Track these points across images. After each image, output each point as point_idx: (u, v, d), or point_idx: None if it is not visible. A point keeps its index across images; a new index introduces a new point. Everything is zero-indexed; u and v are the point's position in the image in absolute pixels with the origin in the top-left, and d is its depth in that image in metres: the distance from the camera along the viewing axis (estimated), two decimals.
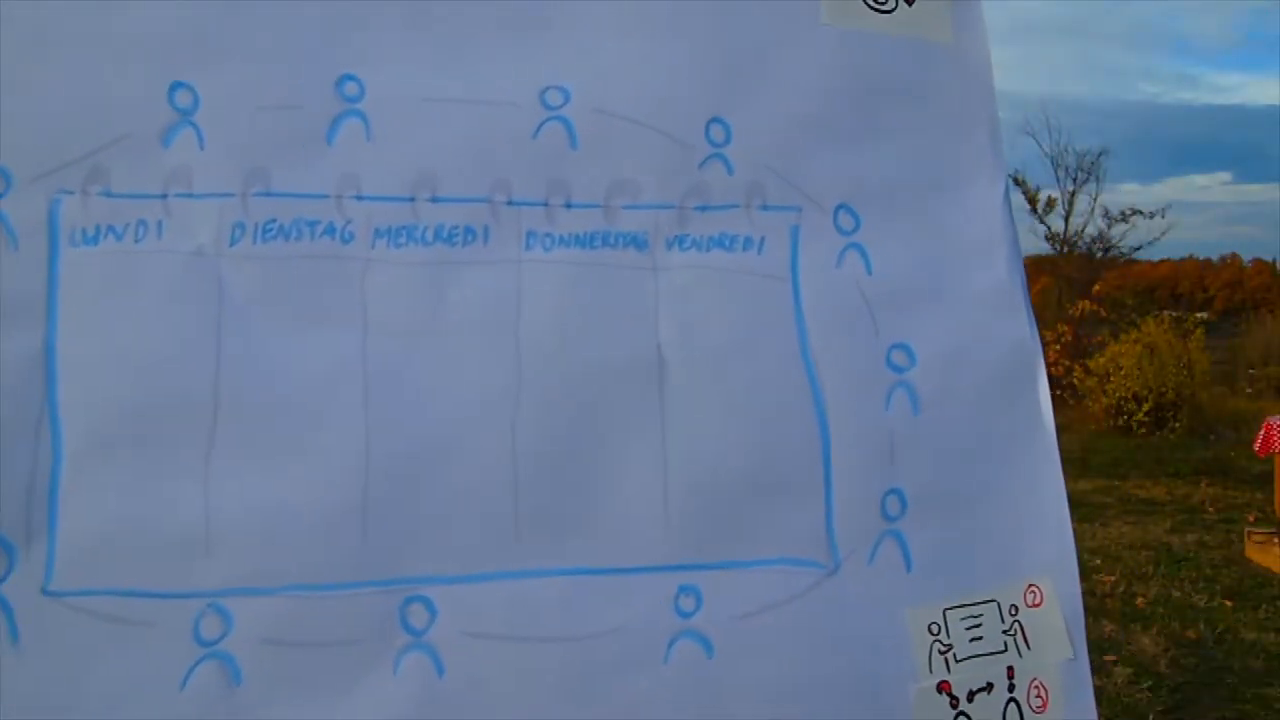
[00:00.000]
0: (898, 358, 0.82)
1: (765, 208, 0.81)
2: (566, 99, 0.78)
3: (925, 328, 0.83)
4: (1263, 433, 5.12)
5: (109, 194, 0.71)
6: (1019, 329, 0.85)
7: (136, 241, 0.71)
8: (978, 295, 0.84)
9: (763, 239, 0.81)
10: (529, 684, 0.71)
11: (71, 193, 0.71)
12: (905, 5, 0.86)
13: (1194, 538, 5.10)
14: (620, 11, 0.80)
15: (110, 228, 0.71)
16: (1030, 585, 0.82)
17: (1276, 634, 3.70)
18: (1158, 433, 8.49)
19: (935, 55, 0.87)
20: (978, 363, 0.83)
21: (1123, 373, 8.77)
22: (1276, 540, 4.61)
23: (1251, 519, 5.25)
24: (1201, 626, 3.76)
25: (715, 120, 0.81)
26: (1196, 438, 8.33)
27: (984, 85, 0.87)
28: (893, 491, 0.80)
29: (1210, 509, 5.77)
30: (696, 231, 0.80)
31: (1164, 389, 8.63)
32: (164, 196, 0.72)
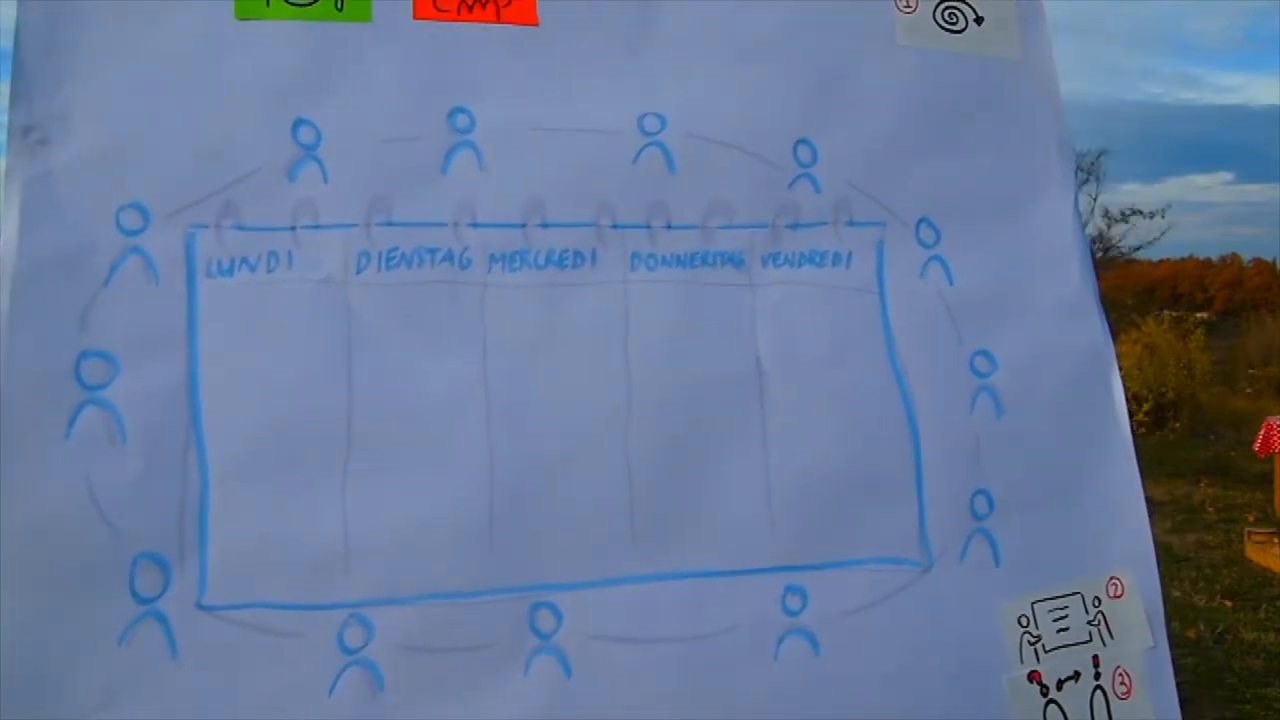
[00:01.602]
0: (980, 364, 0.86)
1: (852, 224, 0.86)
2: (663, 125, 0.83)
3: (1005, 334, 0.87)
4: (1263, 433, 5.15)
5: (241, 227, 0.75)
6: (1093, 333, 0.89)
7: (269, 272, 0.75)
8: (1053, 302, 0.89)
9: (850, 254, 0.85)
10: (650, 682, 0.75)
11: (206, 227, 0.75)
12: (975, 25, 0.91)
13: (1194, 538, 5.12)
14: (709, 41, 0.85)
15: (244, 259, 0.75)
16: (1112, 578, 0.86)
17: (1276, 634, 3.73)
18: (1158, 433, 8.54)
19: (1005, 72, 0.91)
20: (1056, 366, 0.88)
21: (1122, 372, 8.78)
22: (1276, 540, 4.65)
23: (1251, 519, 5.29)
24: (1201, 626, 3.78)
25: (802, 141, 0.85)
26: (1196, 438, 8.37)
27: (1052, 99, 0.92)
28: (980, 491, 0.84)
29: (1210, 509, 5.80)
30: (788, 248, 0.84)
31: (1164, 389, 8.68)
32: (292, 228, 0.76)
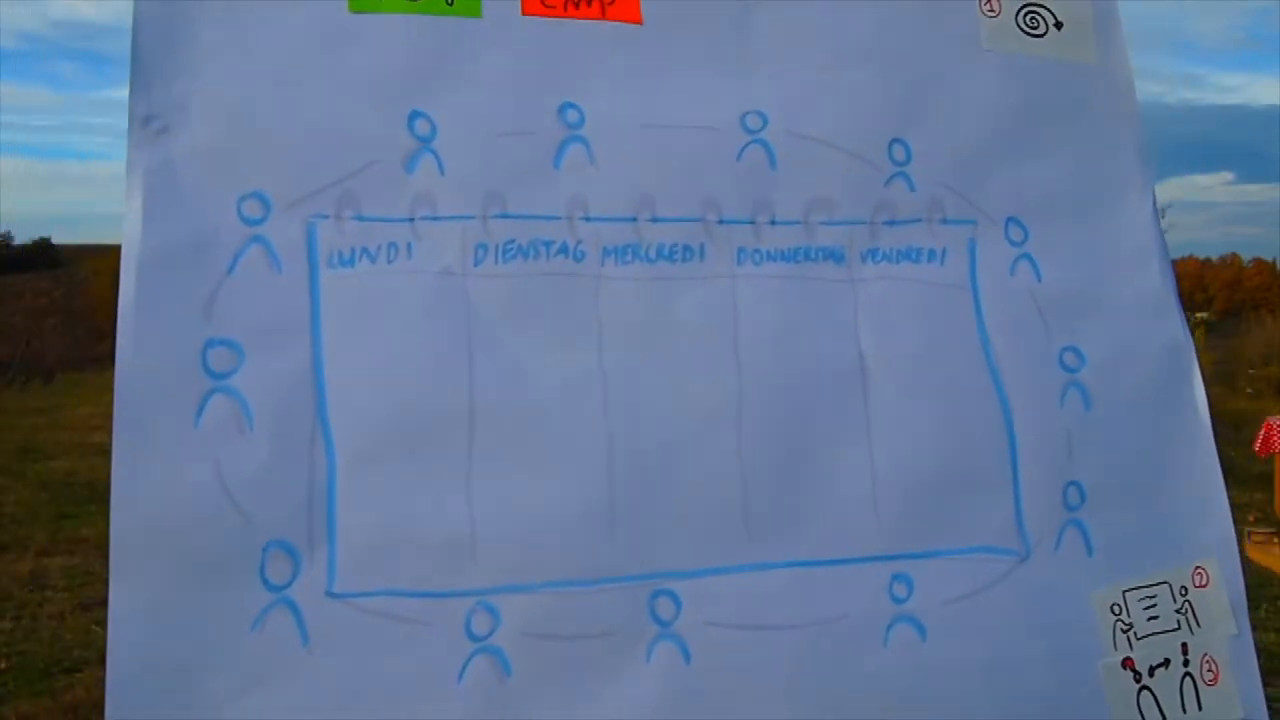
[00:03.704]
0: (1069, 359, 0.88)
1: (945, 221, 0.88)
2: (765, 123, 0.84)
3: (1092, 331, 0.89)
4: (1263, 433, 5.18)
5: (361, 218, 0.76)
6: (1174, 330, 0.91)
7: (389, 262, 0.76)
8: (1136, 300, 0.91)
9: (944, 250, 0.87)
10: (765, 668, 0.76)
11: (326, 217, 0.75)
12: (1055, 30, 0.93)
13: None
14: (804, 42, 0.87)
15: (364, 250, 0.76)
16: (1197, 567, 0.88)
17: (1277, 634, 3.76)
18: None
19: (1083, 76, 0.94)
20: (1140, 362, 0.90)
21: None
22: (1276, 540, 4.73)
23: (1252, 519, 5.34)
24: None
25: (896, 141, 0.87)
26: None
27: (1129, 102, 0.95)
28: (1072, 483, 0.86)
29: None
30: (886, 245, 0.86)
31: None
32: (411, 220, 0.77)
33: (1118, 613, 0.85)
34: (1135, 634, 0.85)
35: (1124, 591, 0.86)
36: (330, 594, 0.70)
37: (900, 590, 0.80)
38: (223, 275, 0.73)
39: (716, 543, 0.77)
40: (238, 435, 0.70)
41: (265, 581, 0.69)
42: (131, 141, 0.73)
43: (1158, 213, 0.94)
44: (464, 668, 0.71)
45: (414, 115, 0.78)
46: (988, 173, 0.89)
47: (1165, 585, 0.87)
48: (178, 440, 0.69)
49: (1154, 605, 0.86)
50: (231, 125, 0.75)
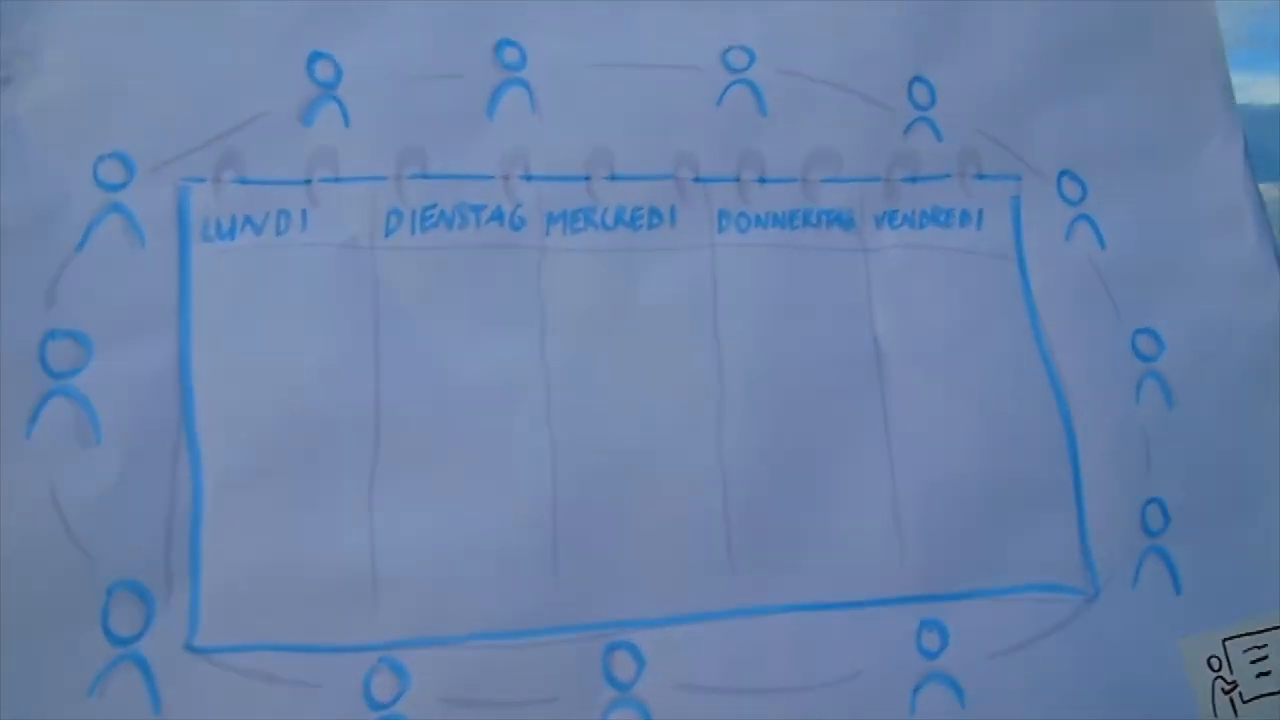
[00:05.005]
0: (1145, 344, 0.70)
1: (981, 177, 0.71)
2: (751, 60, 0.68)
3: (1171, 308, 0.71)
4: None
5: (244, 180, 0.62)
6: (1274, 306, 0.73)
7: (278, 234, 0.61)
8: (1225, 268, 0.73)
9: (980, 212, 0.70)
10: None
11: (202, 180, 0.61)
12: None
13: None
14: None
15: (248, 219, 0.61)
16: None
17: None
18: None
19: (1153, 1, 0.76)
20: (1234, 346, 0.72)
21: None
22: None
23: None
24: None
25: (917, 79, 0.71)
26: None
27: (1208, 31, 0.77)
28: (1153, 500, 0.68)
29: None
30: (907, 206, 0.69)
31: None
32: (307, 182, 0.62)
33: (1216, 667, 0.67)
34: (1240, 695, 0.67)
35: (1224, 640, 0.67)
36: (191, 648, 0.55)
37: (931, 641, 0.63)
38: (70, 252, 0.59)
39: (691, 581, 0.61)
40: (80, 449, 0.56)
41: (108, 633, 0.55)
42: None
43: (1249, 162, 0.76)
44: None
45: (314, 57, 0.64)
46: (1034, 116, 0.72)
47: (1277, 632, 0.69)
48: (2, 454, 0.55)
49: (1265, 658, 0.68)
50: (90, 74, 0.61)
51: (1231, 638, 0.68)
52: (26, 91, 0.61)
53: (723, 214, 0.66)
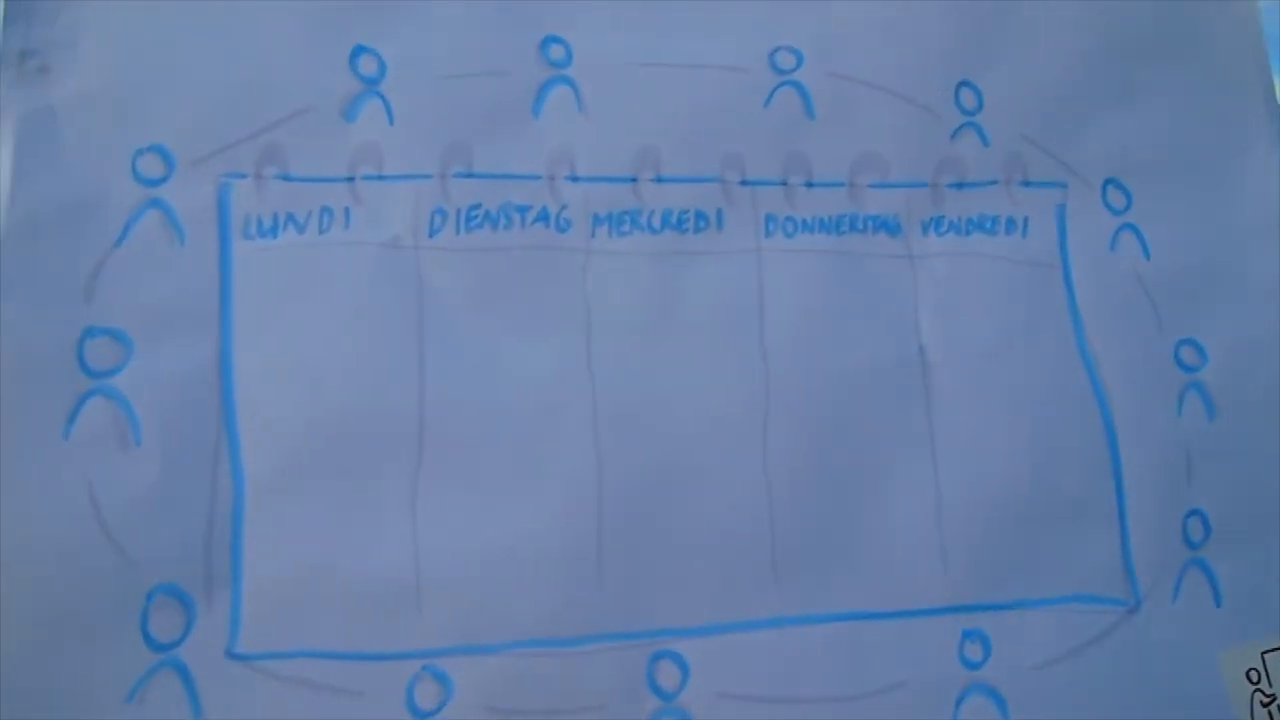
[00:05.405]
0: (1187, 355, 0.70)
1: (1026, 184, 0.70)
2: (799, 62, 0.67)
3: (1214, 319, 0.71)
4: None
5: (287, 177, 0.60)
6: None
7: (321, 232, 0.60)
8: (1268, 279, 0.72)
9: (1026, 220, 0.69)
10: None
11: (243, 176, 0.60)
12: None
13: None
14: None
15: (290, 216, 0.60)
16: None
17: None
18: None
19: (1198, 6, 0.75)
20: (1274, 358, 0.71)
21: None
22: None
23: None
24: None
25: (964, 84, 0.70)
26: None
27: (1254, 38, 0.76)
28: (1194, 512, 0.68)
29: None
30: (953, 213, 0.68)
31: None
32: (350, 179, 0.61)
33: (1255, 680, 0.67)
34: (1279, 709, 0.67)
35: (1263, 653, 0.67)
36: (232, 655, 0.54)
37: (973, 651, 0.63)
38: (109, 248, 0.58)
39: (735, 591, 0.60)
40: (119, 450, 0.55)
41: (148, 638, 0.54)
42: (4, 81, 0.59)
43: None
44: None
45: (357, 51, 0.62)
46: (1080, 122, 0.71)
47: None
48: (41, 455, 0.54)
49: None
50: (129, 65, 0.60)
51: (1271, 650, 0.68)
52: (64, 82, 0.59)
53: (769, 218, 0.65)
